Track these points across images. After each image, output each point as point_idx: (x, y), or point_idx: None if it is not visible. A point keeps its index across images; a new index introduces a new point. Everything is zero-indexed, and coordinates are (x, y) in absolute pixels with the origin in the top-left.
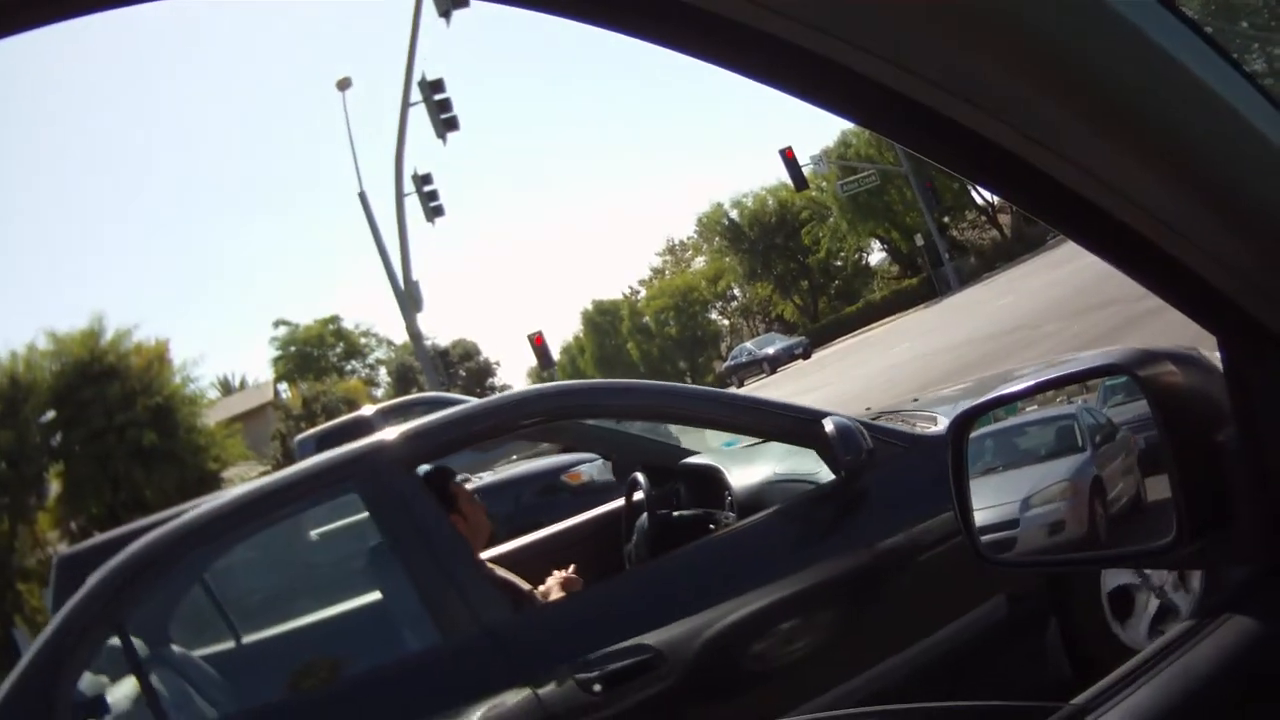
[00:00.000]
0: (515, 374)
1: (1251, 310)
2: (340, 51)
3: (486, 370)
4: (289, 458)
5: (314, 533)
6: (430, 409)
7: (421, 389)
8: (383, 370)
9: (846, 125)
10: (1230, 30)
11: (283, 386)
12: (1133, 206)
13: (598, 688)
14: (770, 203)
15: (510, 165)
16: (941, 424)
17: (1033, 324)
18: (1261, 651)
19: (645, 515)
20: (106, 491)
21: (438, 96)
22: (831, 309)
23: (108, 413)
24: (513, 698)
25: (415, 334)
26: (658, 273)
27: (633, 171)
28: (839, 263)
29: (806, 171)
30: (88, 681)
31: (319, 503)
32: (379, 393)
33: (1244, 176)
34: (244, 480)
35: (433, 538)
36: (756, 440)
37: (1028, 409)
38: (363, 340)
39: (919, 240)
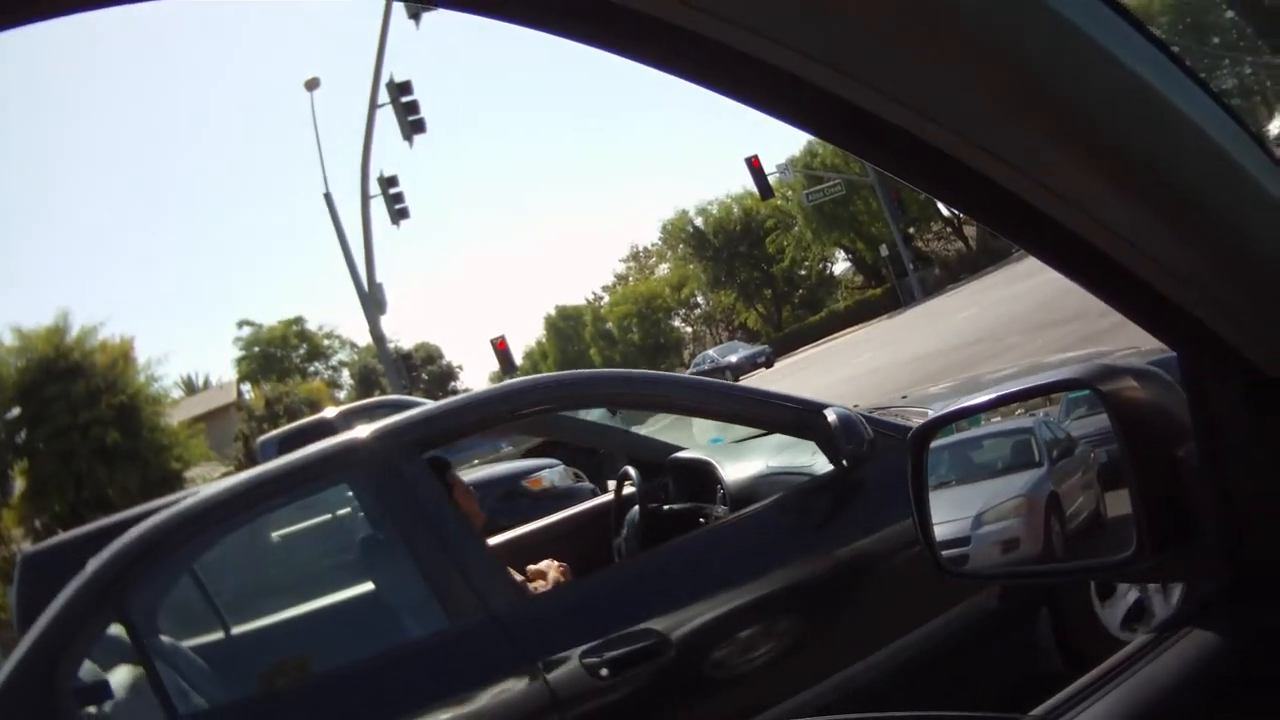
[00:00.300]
0: (478, 378)
1: (1212, 326)
2: (309, 51)
3: (449, 374)
4: (251, 459)
5: (308, 523)
6: (393, 412)
7: (384, 391)
8: (345, 372)
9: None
10: (1199, 50)
11: (246, 387)
12: (1093, 222)
13: (604, 672)
14: (735, 211)
15: (476, 169)
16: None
17: (995, 336)
18: (1222, 665)
19: (636, 508)
20: (70, 489)
21: (405, 99)
22: (795, 318)
23: (72, 410)
24: (521, 682)
25: (379, 336)
26: (621, 279)
27: (598, 177)
28: (803, 272)
29: (772, 180)
30: (87, 668)
31: (322, 489)
32: (342, 395)
33: (1210, 196)
34: (206, 481)
35: (439, 523)
36: (746, 436)
37: (988, 422)
38: (326, 342)
39: (884, 251)
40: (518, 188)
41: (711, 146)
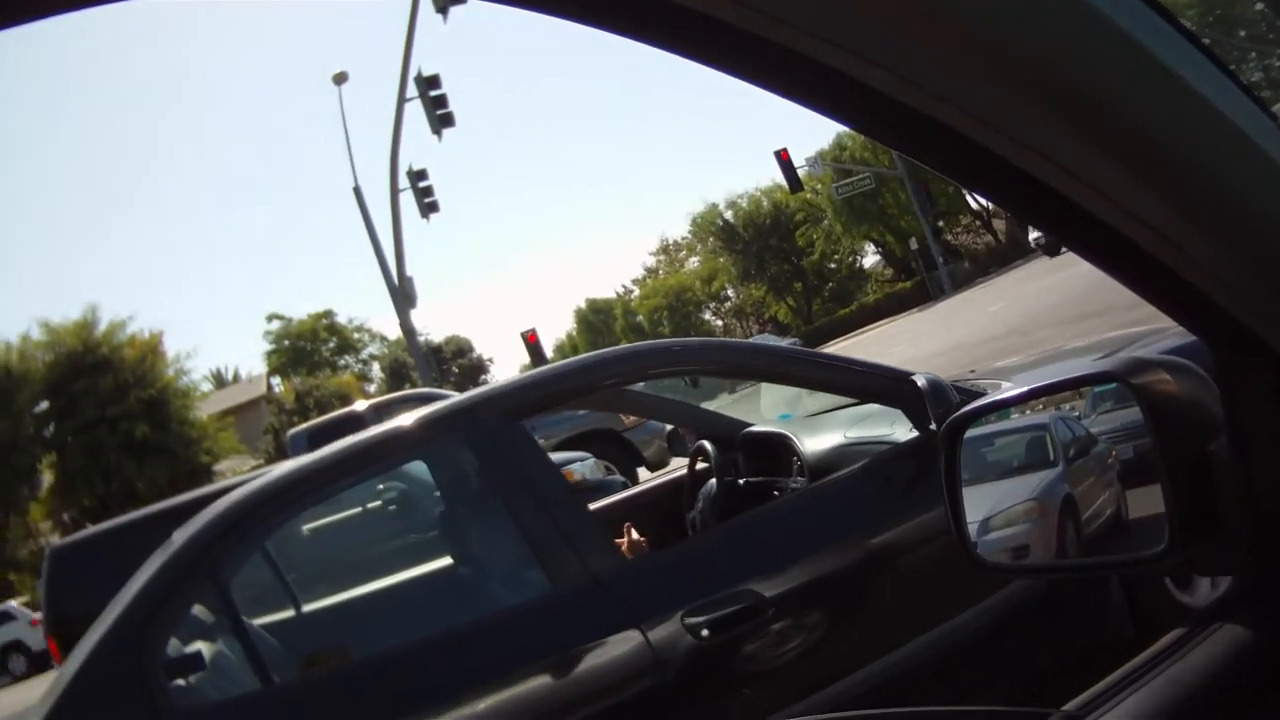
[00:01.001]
0: (508, 372)
1: (1244, 320)
2: (337, 45)
3: (479, 367)
4: (282, 452)
5: (389, 495)
6: (423, 405)
7: (414, 385)
8: (376, 366)
9: (842, 128)
10: (1228, 41)
11: (276, 380)
12: (1125, 214)
13: (705, 633)
14: (765, 204)
15: (505, 163)
16: (1008, 389)
17: (1025, 330)
18: (1252, 661)
19: (712, 482)
20: (98, 483)
21: (433, 93)
22: (825, 311)
23: (100, 404)
24: (624, 644)
25: (409, 330)
26: (651, 272)
27: (628, 171)
28: (833, 265)
29: (801, 174)
30: (174, 642)
31: (425, 456)
32: (372, 388)
33: (1238, 187)
34: (235, 474)
35: (542, 488)
36: (818, 411)
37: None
38: (356, 335)
39: (913, 244)
40: (547, 181)
41: (740, 140)
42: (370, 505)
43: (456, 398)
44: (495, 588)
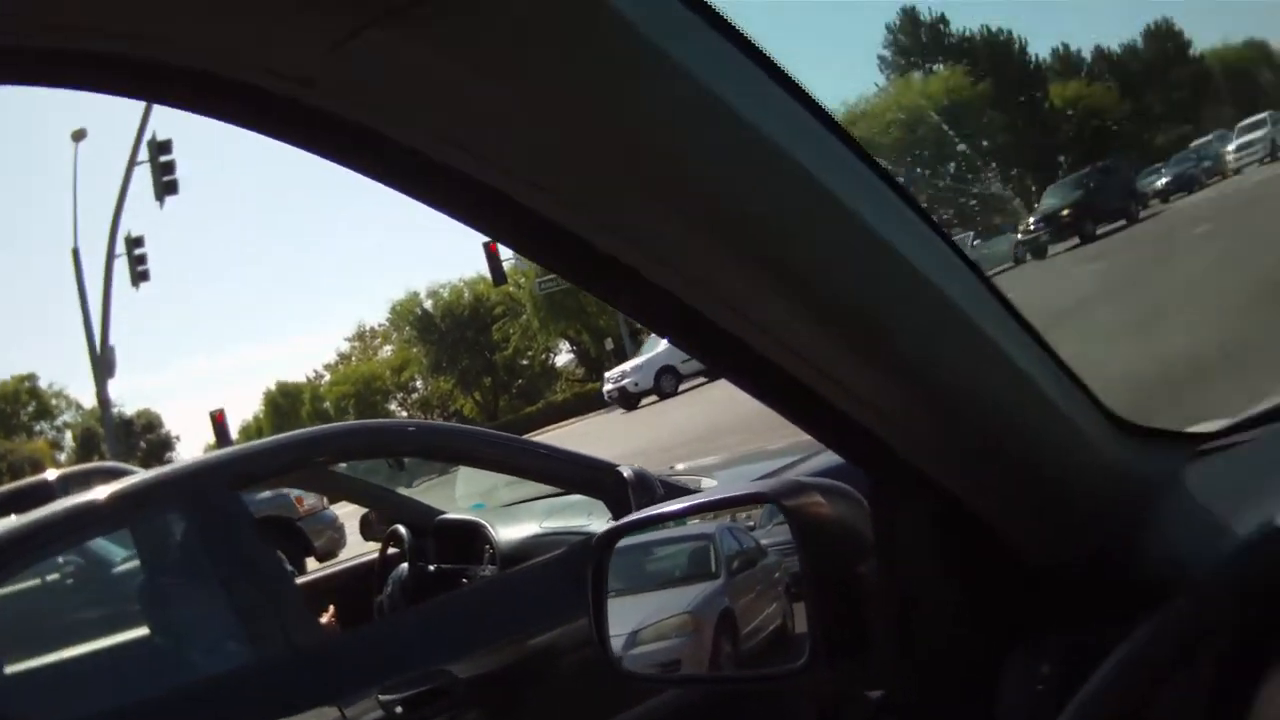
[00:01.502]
0: (194, 449)
1: (899, 450)
2: (80, 101)
3: (166, 444)
4: None
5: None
6: (110, 478)
7: (103, 456)
8: (69, 434)
9: None
10: (919, 176)
11: None
12: (783, 349)
13: (399, 709)
14: (466, 295)
15: (221, 236)
16: (710, 485)
17: (711, 436)
18: None
19: (404, 566)
20: None
21: (163, 158)
22: (512, 408)
23: None
24: (321, 715)
25: (104, 401)
26: (345, 358)
27: (336, 254)
28: (525, 361)
29: (508, 266)
30: None
31: (141, 522)
32: (62, 456)
33: (891, 325)
34: None
35: (253, 559)
36: (512, 501)
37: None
38: (54, 401)
39: (609, 344)
40: (259, 258)
41: (453, 228)
42: (70, 572)
43: (178, 464)
44: (201, 656)
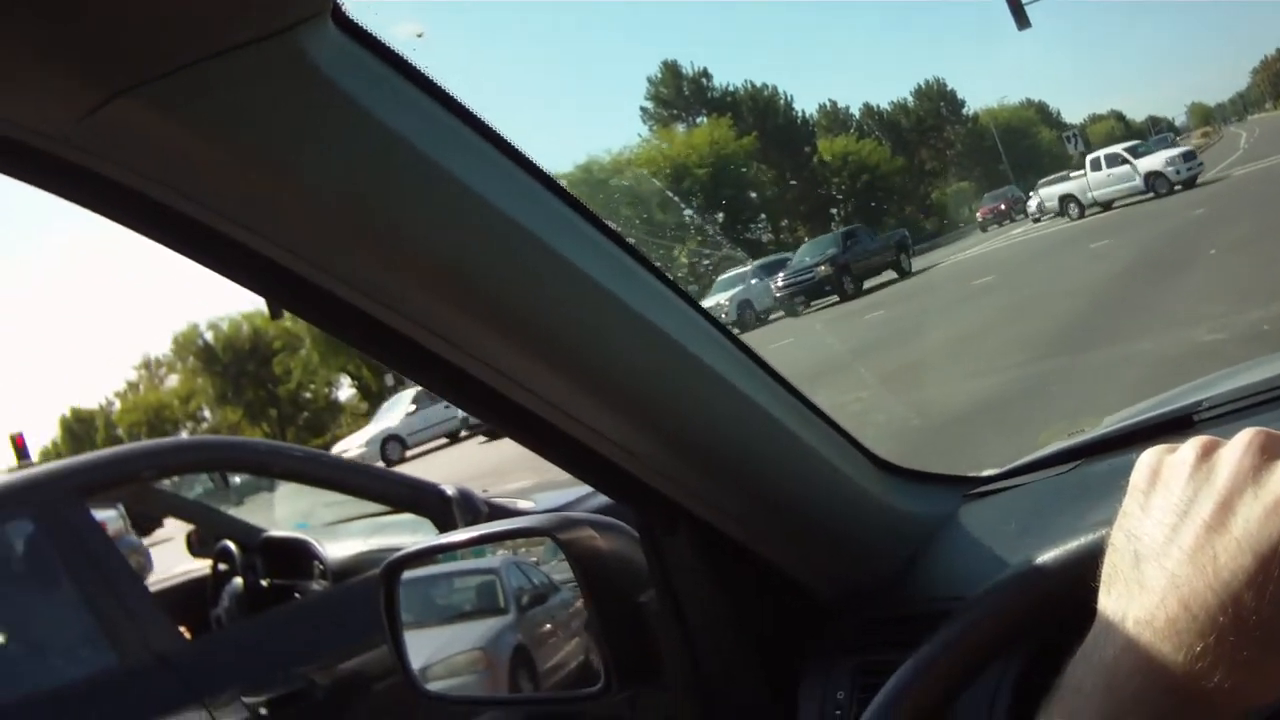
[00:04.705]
0: None
1: (662, 489)
2: None
3: None
4: None
5: None
6: None
7: None
8: None
9: None
10: (653, 241)
11: None
12: (542, 401)
13: (264, 711)
14: (245, 328)
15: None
16: (528, 507)
17: (502, 470)
18: None
19: (238, 580)
20: None
21: None
22: (300, 440)
23: None
24: (188, 718)
25: None
26: (133, 386)
27: (118, 279)
28: (309, 395)
29: None
30: None
31: None
32: None
33: (648, 376)
34: None
35: (104, 565)
36: (333, 521)
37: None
38: None
39: (389, 380)
40: (43, 281)
41: None
42: None
43: (25, 471)
44: (63, 661)
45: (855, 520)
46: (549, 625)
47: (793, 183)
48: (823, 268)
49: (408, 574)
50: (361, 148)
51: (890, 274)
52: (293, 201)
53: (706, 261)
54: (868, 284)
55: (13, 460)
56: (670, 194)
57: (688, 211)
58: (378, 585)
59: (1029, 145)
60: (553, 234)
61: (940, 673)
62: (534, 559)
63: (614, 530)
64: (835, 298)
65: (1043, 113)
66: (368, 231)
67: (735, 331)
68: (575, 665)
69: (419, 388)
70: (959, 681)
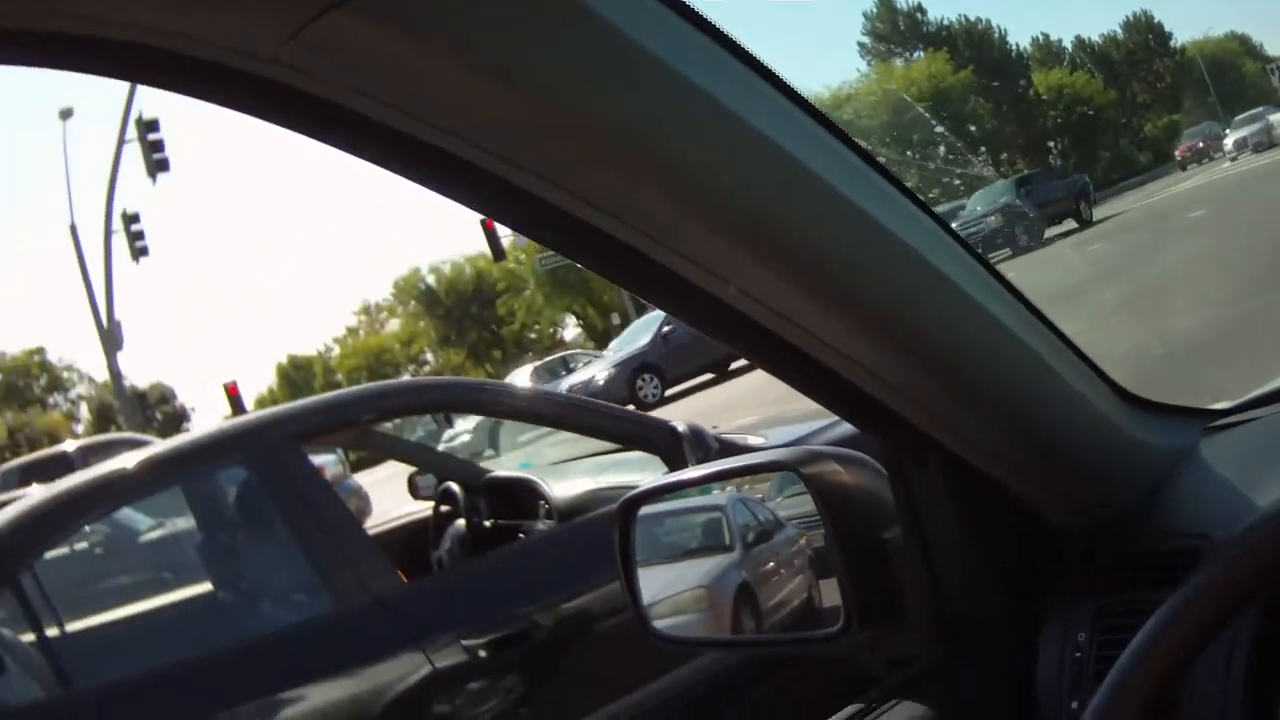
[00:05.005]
0: (208, 421)
1: (913, 420)
2: (67, 80)
3: (182, 415)
4: None
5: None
6: (129, 449)
7: (120, 428)
8: (84, 406)
9: None
10: (907, 161)
11: None
12: (796, 328)
13: (483, 654)
14: (468, 271)
15: (217, 212)
16: (759, 443)
17: (725, 410)
18: None
19: (460, 522)
20: None
21: (151, 136)
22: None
23: None
24: (407, 662)
25: (115, 373)
26: (352, 331)
27: (335, 229)
28: (534, 335)
29: (506, 243)
30: None
31: (211, 473)
32: (80, 428)
33: (907, 304)
34: None
35: (323, 510)
36: (558, 461)
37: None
38: (65, 374)
39: (615, 319)
40: (257, 232)
41: (449, 205)
42: (142, 529)
43: (245, 418)
44: (280, 606)
45: (1100, 450)
46: (772, 563)
47: (1009, 116)
48: (993, 218)
49: (641, 511)
50: (608, 61)
51: (1070, 223)
52: (529, 114)
53: (958, 182)
54: (1047, 234)
55: (228, 410)
56: (924, 112)
57: (938, 129)
58: (613, 522)
59: (1234, 78)
60: (801, 147)
61: (1196, 618)
62: (759, 495)
63: (858, 464)
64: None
65: (1246, 45)
66: (612, 147)
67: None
68: (798, 604)
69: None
70: (1214, 628)
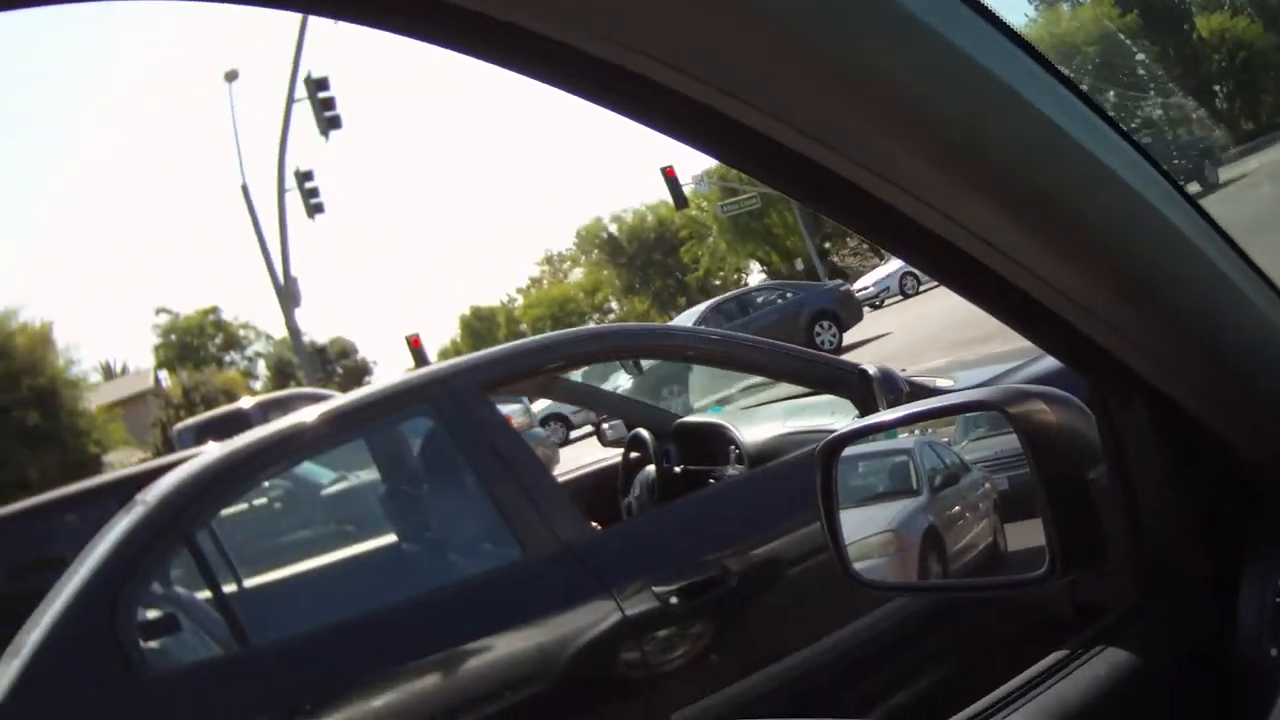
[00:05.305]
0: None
1: (1122, 357)
2: (231, 42)
3: (364, 369)
4: (169, 446)
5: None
6: (308, 403)
7: (299, 384)
8: (261, 363)
9: None
10: (1104, 87)
11: (163, 374)
12: (1006, 259)
13: (674, 600)
14: (650, 219)
15: (393, 166)
16: (947, 385)
17: (912, 354)
18: (1132, 684)
19: (650, 469)
20: None
21: (322, 94)
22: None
23: None
24: (597, 610)
25: (294, 329)
26: (535, 282)
27: (514, 180)
28: (717, 282)
29: (687, 190)
30: (153, 598)
31: (394, 424)
32: (257, 385)
33: (1114, 232)
34: (124, 466)
35: (511, 457)
36: (748, 406)
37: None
38: (241, 332)
39: (799, 265)
40: (435, 187)
41: (627, 155)
42: (325, 480)
43: (429, 368)
44: (467, 556)
45: None
46: (958, 508)
47: (1175, 59)
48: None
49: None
50: None
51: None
52: (760, 50)
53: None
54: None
55: (410, 363)
56: (1122, 35)
57: (1140, 56)
58: (815, 465)
59: None
60: (1013, 75)
61: None
62: (945, 439)
63: (1064, 403)
64: None
65: None
66: (834, 79)
67: None
68: (983, 549)
69: None
70: None
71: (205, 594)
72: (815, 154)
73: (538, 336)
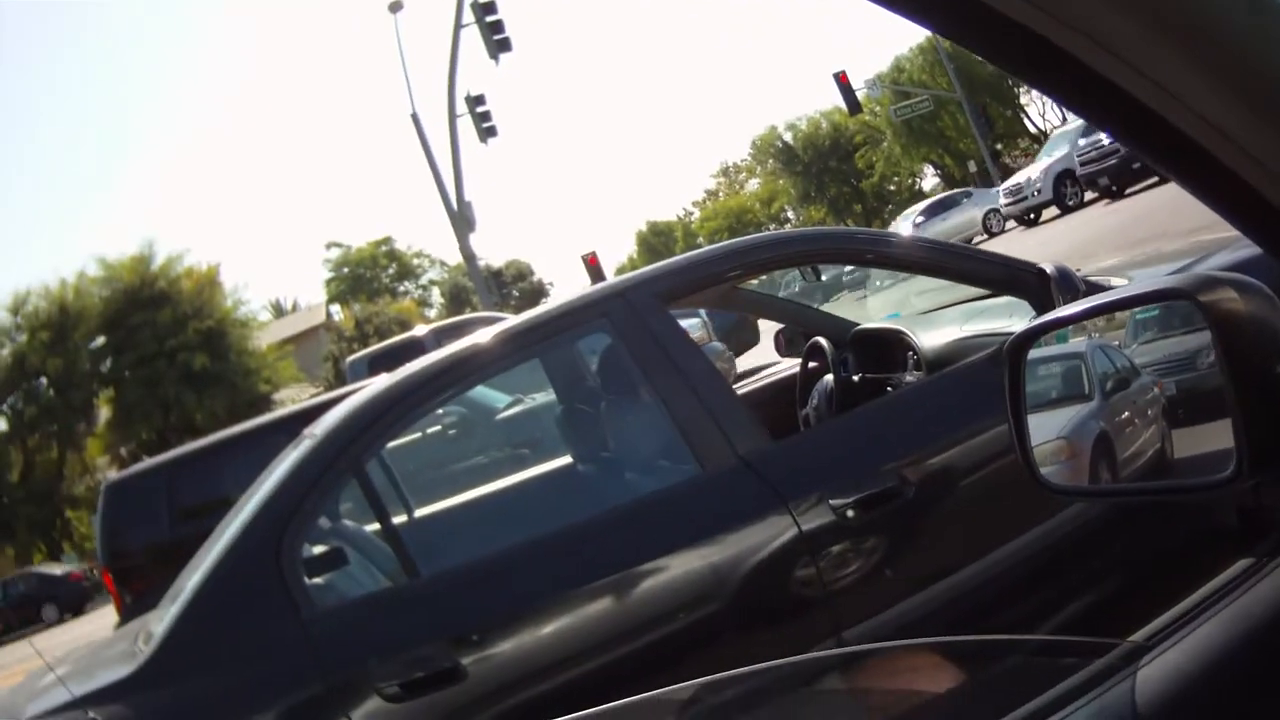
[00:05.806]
0: (569, 295)
1: None
2: None
3: (540, 291)
4: (341, 379)
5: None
6: (485, 328)
7: (475, 309)
8: (435, 291)
9: (900, 50)
10: None
11: (335, 308)
12: (1207, 127)
13: (851, 513)
14: (824, 126)
15: (565, 87)
16: (1120, 284)
17: (1084, 254)
18: None
19: (828, 378)
20: (157, 416)
21: (489, 18)
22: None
23: (158, 337)
24: (773, 524)
25: (468, 255)
26: (711, 194)
27: (687, 94)
28: (892, 187)
29: (860, 96)
30: (320, 533)
31: (571, 342)
32: (432, 313)
33: None
34: (294, 403)
35: (690, 370)
36: (925, 310)
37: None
38: (415, 261)
39: (972, 167)
40: (606, 105)
41: (799, 63)
42: (500, 404)
43: (605, 283)
44: (645, 472)
45: None
46: (1128, 413)
47: None
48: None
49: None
50: None
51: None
52: None
53: None
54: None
55: (588, 281)
56: None
57: None
58: (1002, 362)
59: None
60: None
61: None
62: (1115, 342)
63: (1255, 291)
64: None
65: None
66: None
67: None
68: (1151, 454)
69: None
70: None
71: (374, 526)
72: (1029, 19)
73: (715, 245)
